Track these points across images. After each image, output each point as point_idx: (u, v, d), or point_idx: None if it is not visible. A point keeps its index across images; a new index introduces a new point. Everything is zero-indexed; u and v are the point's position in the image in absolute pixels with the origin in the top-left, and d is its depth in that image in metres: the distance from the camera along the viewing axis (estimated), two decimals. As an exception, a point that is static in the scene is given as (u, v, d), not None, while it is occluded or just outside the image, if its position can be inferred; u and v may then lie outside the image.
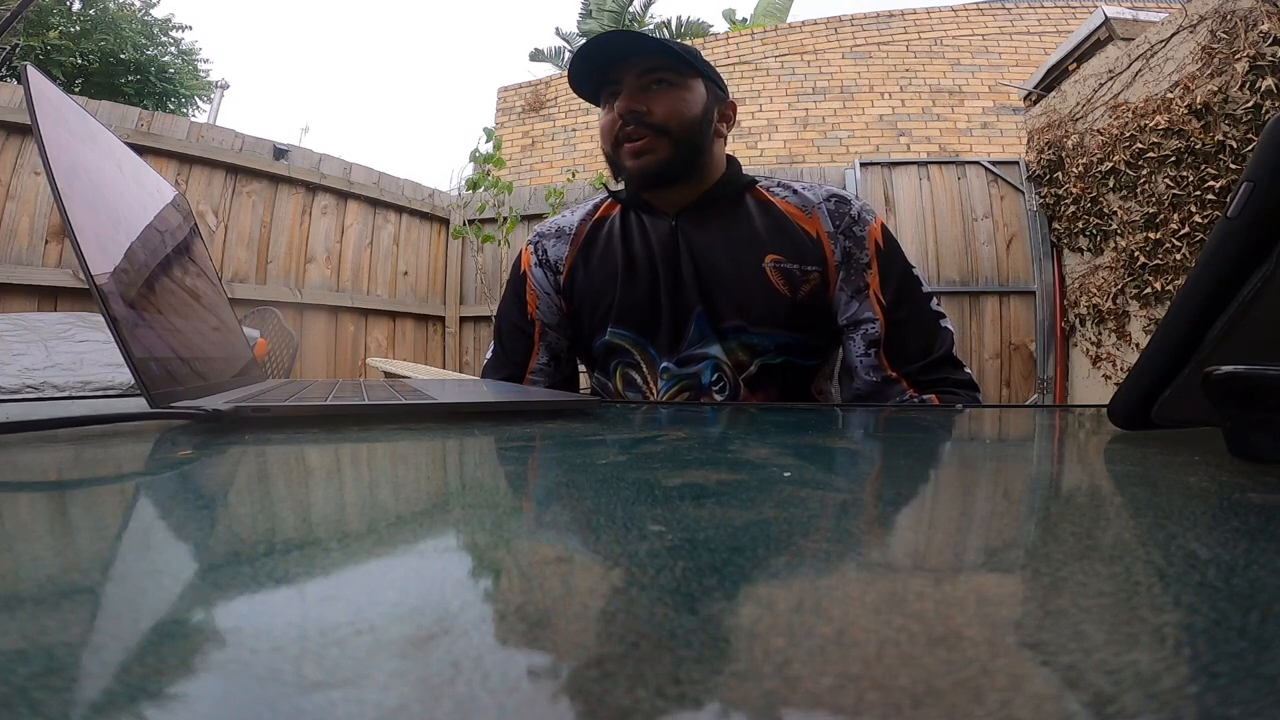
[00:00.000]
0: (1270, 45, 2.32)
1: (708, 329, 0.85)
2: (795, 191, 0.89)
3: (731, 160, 0.91)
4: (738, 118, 0.95)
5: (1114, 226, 3.02)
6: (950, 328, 0.83)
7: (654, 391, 0.87)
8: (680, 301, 0.86)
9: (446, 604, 0.12)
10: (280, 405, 0.40)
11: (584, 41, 0.84)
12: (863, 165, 3.77)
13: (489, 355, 0.97)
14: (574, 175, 4.75)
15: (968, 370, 0.82)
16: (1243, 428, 0.25)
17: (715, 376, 0.85)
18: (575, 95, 0.90)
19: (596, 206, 0.95)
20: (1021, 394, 3.52)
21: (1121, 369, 3.08)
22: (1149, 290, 2.84)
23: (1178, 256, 2.69)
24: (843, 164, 4.41)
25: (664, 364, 0.87)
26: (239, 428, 0.37)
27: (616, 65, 0.83)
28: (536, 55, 10.17)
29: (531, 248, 0.95)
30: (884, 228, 0.86)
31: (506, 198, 4.01)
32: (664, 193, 0.86)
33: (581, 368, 1.00)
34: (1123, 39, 3.17)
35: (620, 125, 0.83)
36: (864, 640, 0.10)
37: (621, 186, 0.92)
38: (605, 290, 0.88)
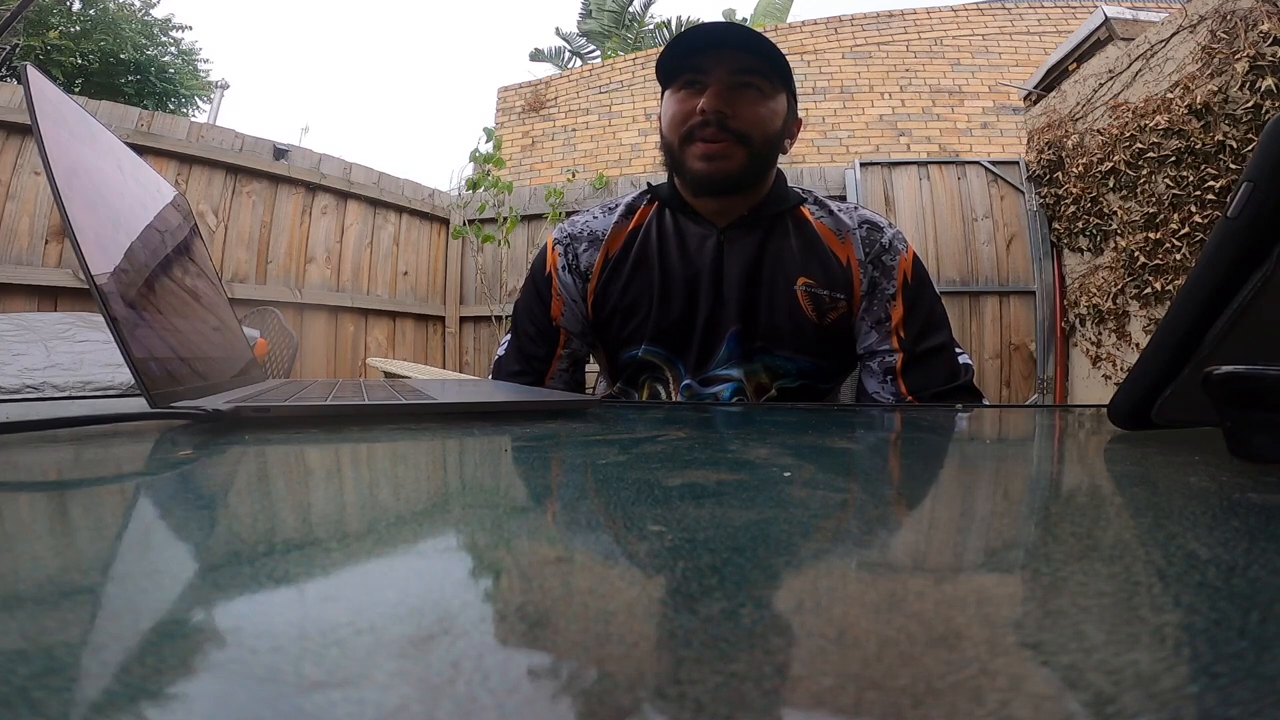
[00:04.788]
0: (1270, 45, 2.32)
1: (737, 349, 0.83)
2: (831, 212, 0.86)
3: (779, 174, 0.87)
4: None
5: (1114, 226, 3.02)
6: (971, 362, 0.82)
7: None
8: (717, 319, 0.83)
9: (446, 604, 0.12)
10: (280, 405, 0.40)
11: (685, 29, 0.79)
12: (863, 165, 3.76)
13: (501, 353, 0.92)
14: (574, 175, 4.75)
15: (986, 402, 0.80)
16: (1243, 428, 0.25)
17: (735, 400, 0.83)
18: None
19: (632, 209, 0.89)
20: (1021, 394, 3.52)
21: (1121, 369, 3.08)
22: (1149, 290, 2.84)
23: (1178, 256, 2.69)
24: (843, 164, 4.40)
25: (686, 381, 0.85)
26: (239, 428, 0.37)
27: (706, 53, 0.77)
28: (536, 55, 10.18)
29: (560, 250, 0.88)
30: (915, 260, 0.84)
31: (506, 198, 4.01)
32: (717, 200, 0.83)
33: (590, 368, 0.98)
34: (1123, 39, 3.17)
35: (699, 122, 0.77)
36: (864, 640, 0.10)
37: (663, 181, 0.88)
38: (639, 305, 0.85)
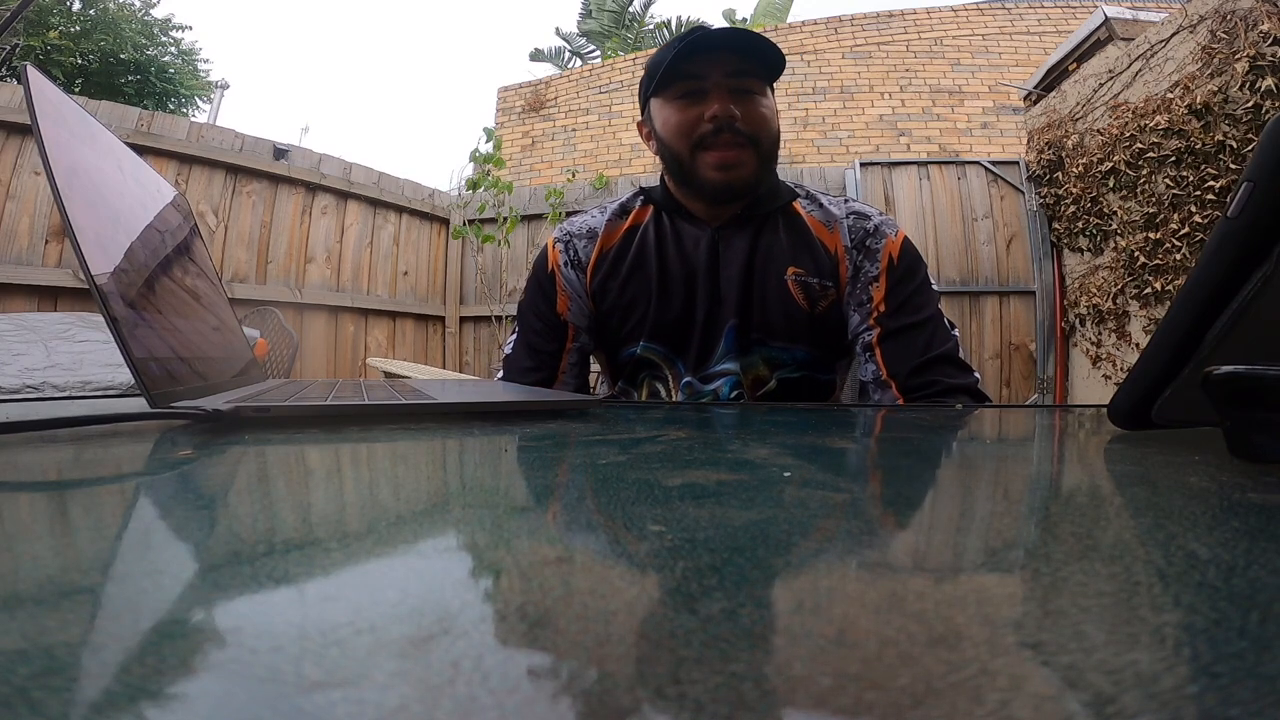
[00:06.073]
0: (1270, 45, 2.32)
1: (734, 343, 0.83)
2: (820, 205, 0.87)
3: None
4: None
5: (1114, 226, 3.02)
6: (957, 335, 0.81)
7: None
8: (716, 316, 0.84)
9: (446, 604, 0.12)
10: (280, 405, 0.40)
11: (685, 33, 0.78)
12: (863, 165, 3.76)
13: (508, 351, 0.92)
14: (574, 175, 4.75)
15: (976, 375, 0.78)
16: (1243, 428, 0.25)
17: (734, 394, 0.83)
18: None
19: (626, 209, 0.90)
20: (1021, 394, 3.52)
21: (1121, 369, 3.08)
22: (1149, 290, 2.84)
23: (1178, 256, 2.69)
24: (843, 164, 4.41)
25: (686, 379, 0.85)
26: (239, 428, 0.37)
27: (700, 58, 0.77)
28: (536, 55, 10.18)
29: (561, 246, 0.90)
30: (905, 244, 0.83)
31: (506, 198, 4.01)
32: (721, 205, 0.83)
33: (590, 368, 0.98)
34: (1123, 39, 3.17)
35: (711, 130, 0.77)
36: (864, 640, 0.10)
37: (656, 184, 0.89)
38: (638, 303, 0.85)
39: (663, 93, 0.81)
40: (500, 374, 0.93)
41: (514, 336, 0.93)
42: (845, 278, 0.83)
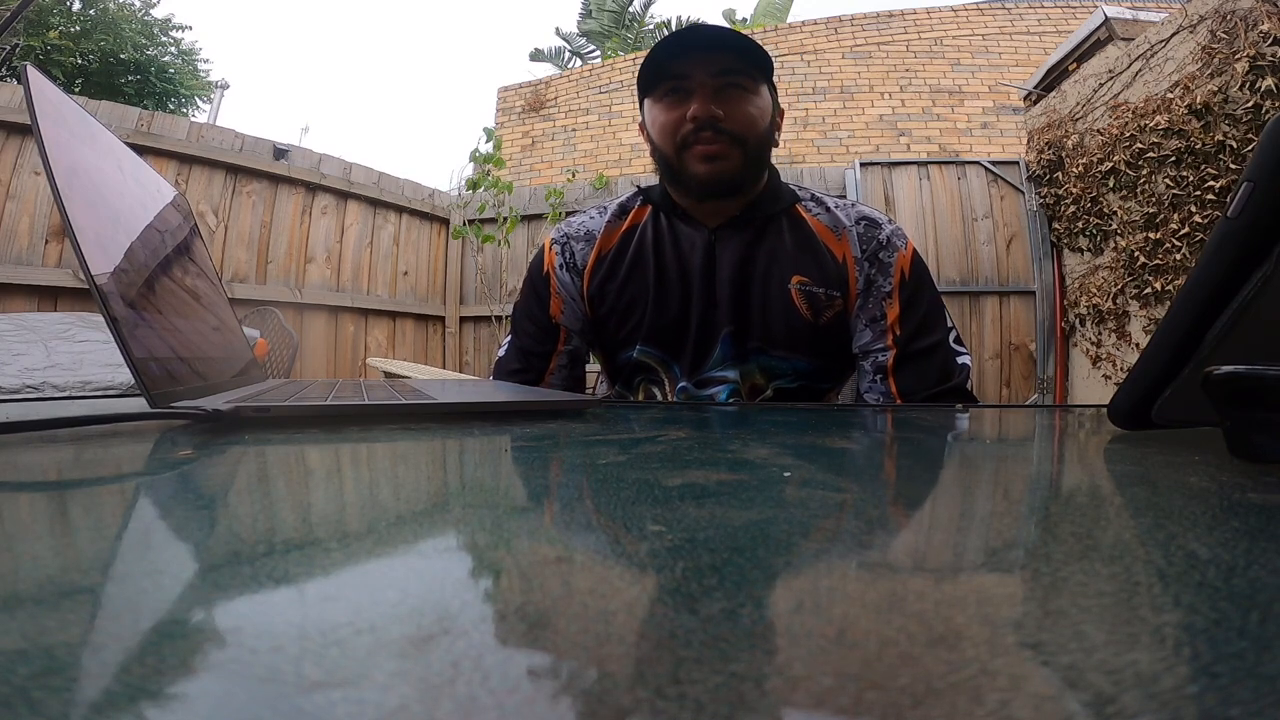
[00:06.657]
0: (1270, 45, 2.32)
1: (732, 351, 0.82)
2: (828, 210, 0.85)
3: (772, 171, 0.86)
4: None
5: (1114, 226, 3.02)
6: (969, 363, 0.80)
7: None
8: (710, 321, 0.83)
9: (446, 604, 0.12)
10: (280, 405, 0.40)
11: (673, 32, 0.78)
12: (863, 165, 3.76)
13: (501, 353, 0.92)
14: (574, 175, 4.75)
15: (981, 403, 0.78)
16: (1243, 428, 0.25)
17: (732, 401, 0.83)
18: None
19: (625, 210, 0.89)
20: (1021, 394, 3.52)
21: (1121, 369, 3.08)
22: (1149, 290, 2.84)
23: (1178, 256, 2.69)
24: (843, 164, 4.41)
25: (682, 384, 0.84)
26: (239, 428, 0.37)
27: (685, 58, 0.77)
28: (536, 55, 10.18)
29: (558, 248, 0.89)
30: (914, 256, 0.82)
31: (506, 198, 4.01)
32: (713, 203, 0.82)
33: (590, 367, 0.98)
34: (1123, 39, 3.17)
35: (692, 130, 0.77)
36: (864, 640, 0.10)
37: (655, 183, 0.88)
38: (635, 306, 0.85)
39: (651, 93, 0.81)
40: (491, 376, 0.93)
41: (508, 339, 0.93)
42: (855, 289, 0.82)
